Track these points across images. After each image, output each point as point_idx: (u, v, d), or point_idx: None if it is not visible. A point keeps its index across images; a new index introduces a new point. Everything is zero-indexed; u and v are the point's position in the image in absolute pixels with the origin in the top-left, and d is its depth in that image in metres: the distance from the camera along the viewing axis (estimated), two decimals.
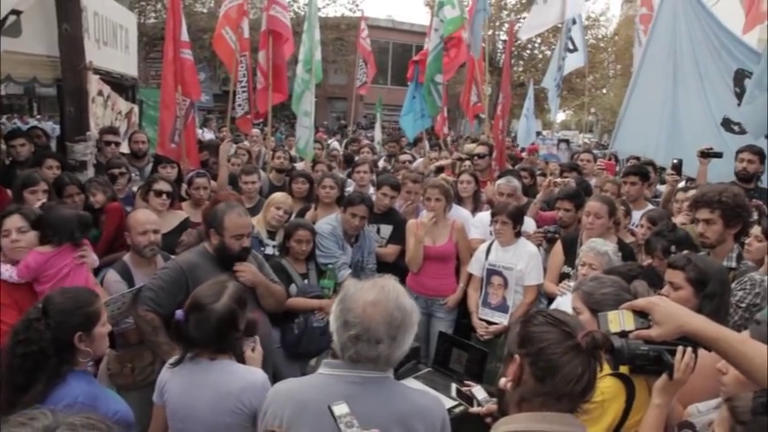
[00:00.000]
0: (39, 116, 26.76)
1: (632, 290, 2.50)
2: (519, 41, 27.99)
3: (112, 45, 7.10)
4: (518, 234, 4.62)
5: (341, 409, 1.65)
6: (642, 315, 1.75)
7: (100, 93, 6.01)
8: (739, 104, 5.75)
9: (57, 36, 5.36)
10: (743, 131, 5.89)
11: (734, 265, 3.33)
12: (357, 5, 25.74)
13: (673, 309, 1.73)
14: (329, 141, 13.13)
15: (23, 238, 3.14)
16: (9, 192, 4.55)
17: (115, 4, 7.36)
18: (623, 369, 2.26)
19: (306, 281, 4.31)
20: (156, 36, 21.33)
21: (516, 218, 4.55)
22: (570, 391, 1.52)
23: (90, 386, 2.17)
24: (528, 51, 29.40)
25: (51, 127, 17.21)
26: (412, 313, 1.82)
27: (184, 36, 6.03)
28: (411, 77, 9.15)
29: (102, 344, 2.30)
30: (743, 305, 3.10)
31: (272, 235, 4.75)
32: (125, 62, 7.64)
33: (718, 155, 5.57)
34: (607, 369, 2.37)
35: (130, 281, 3.55)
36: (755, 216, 4.83)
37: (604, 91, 34.23)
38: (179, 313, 2.47)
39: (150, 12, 23.81)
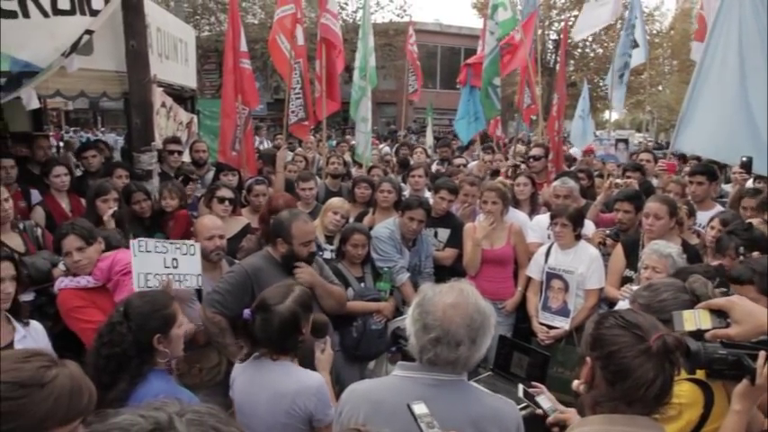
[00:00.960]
0: (103, 128, 28.14)
1: (688, 288, 2.41)
2: (571, 41, 27.51)
3: (173, 58, 7.38)
4: (578, 237, 4.54)
5: (420, 408, 1.65)
6: (720, 314, 1.71)
7: (163, 104, 6.25)
8: None
9: (124, 52, 5.61)
10: None
11: None
12: (405, 11, 25.90)
13: (753, 308, 1.68)
14: (381, 146, 13.21)
15: (84, 256, 3.27)
16: (83, 200, 4.80)
17: (175, 20, 7.65)
18: (700, 374, 2.19)
19: (362, 284, 4.37)
20: (210, 48, 22.02)
21: (576, 220, 4.48)
22: (642, 396, 1.49)
23: (169, 384, 2.27)
24: (579, 50, 28.79)
25: (114, 139, 18.06)
26: (490, 316, 1.84)
27: (243, 46, 6.22)
28: (464, 81, 9.12)
29: (179, 345, 2.39)
30: None
31: (329, 239, 4.82)
32: (185, 74, 7.92)
33: None
34: (684, 374, 2.31)
35: None
36: None
37: (660, 88, 33.15)
38: (247, 312, 2.56)
39: (204, 25, 24.62)
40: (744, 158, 5.42)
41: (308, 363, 2.72)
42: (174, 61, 7.44)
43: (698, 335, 1.79)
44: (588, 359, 1.60)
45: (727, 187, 6.94)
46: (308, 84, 7.15)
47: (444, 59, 30.48)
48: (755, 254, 3.44)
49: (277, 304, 2.50)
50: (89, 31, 5.23)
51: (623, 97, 9.18)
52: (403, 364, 1.90)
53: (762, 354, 1.91)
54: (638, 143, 13.64)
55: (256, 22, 23.64)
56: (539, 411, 2.54)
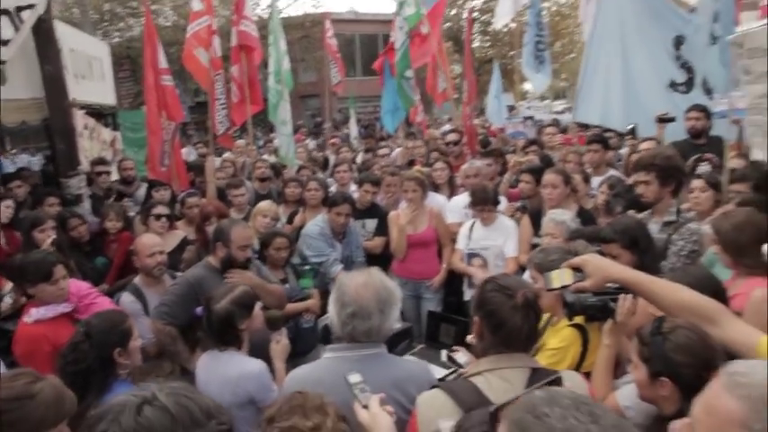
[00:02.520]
0: (14, 150, 26.73)
1: (572, 250, 2.91)
2: (484, 18, 28.36)
3: (89, 77, 7.41)
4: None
5: (354, 377, 2.05)
6: (578, 270, 2.11)
7: (85, 126, 6.34)
8: (680, 67, 6.19)
9: (39, 78, 5.66)
10: (688, 91, 6.34)
11: (674, 218, 3.76)
12: (318, 2, 25.99)
13: (600, 262, 2.08)
14: (306, 142, 13.46)
15: (66, 284, 3.44)
16: (18, 234, 4.88)
17: (88, 37, 7.67)
18: (579, 319, 2.70)
19: (286, 285, 4.48)
20: (122, 55, 21.40)
21: (495, 202, 4.97)
22: (516, 339, 1.94)
23: (133, 390, 2.57)
24: (492, 27, 29.72)
25: (28, 160, 17.34)
26: (395, 291, 2.27)
27: (163, 63, 6.35)
28: (380, 69, 9.51)
29: (137, 355, 2.69)
30: (684, 253, 3.55)
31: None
32: (103, 91, 7.95)
33: (672, 119, 6.04)
34: (566, 321, 2.82)
35: (144, 301, 3.93)
36: (709, 168, 5.31)
37: (573, 56, 34.69)
38: (198, 310, 3.03)
39: (114, 32, 23.86)
40: (630, 126, 6.11)
41: (266, 353, 3.10)
42: (91, 80, 7.47)
43: (564, 288, 2.21)
44: (476, 318, 2.03)
45: (624, 152, 7.68)
46: (228, 92, 7.35)
47: (363, 47, 30.75)
48: (631, 212, 4.03)
49: (215, 304, 2.92)
50: (1, 61, 5.26)
51: (547, 78, 9.71)
52: (331, 347, 2.29)
53: (621, 297, 2.40)
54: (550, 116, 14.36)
55: (169, 23, 23.16)
56: (459, 367, 2.99)
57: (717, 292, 2.33)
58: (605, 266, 2.05)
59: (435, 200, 5.65)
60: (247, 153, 8.76)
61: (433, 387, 2.04)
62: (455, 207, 5.60)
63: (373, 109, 22.49)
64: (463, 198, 5.45)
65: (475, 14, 27.71)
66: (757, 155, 4.14)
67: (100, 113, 7.70)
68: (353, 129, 13.02)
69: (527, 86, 15.45)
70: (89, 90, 7.23)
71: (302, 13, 25.73)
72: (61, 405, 1.72)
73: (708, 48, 5.29)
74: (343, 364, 2.18)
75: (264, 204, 5.39)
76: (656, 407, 2.10)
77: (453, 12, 28.09)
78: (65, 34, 6.41)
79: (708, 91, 6.09)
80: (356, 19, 30.27)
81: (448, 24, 26.37)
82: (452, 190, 6.16)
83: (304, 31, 24.10)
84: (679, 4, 7.32)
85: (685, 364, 1.93)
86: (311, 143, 13.56)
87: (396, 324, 3.40)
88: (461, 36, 25.25)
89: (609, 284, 2.10)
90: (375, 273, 2.29)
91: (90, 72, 7.39)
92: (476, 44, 29.09)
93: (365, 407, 1.95)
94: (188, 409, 1.19)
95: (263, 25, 12.95)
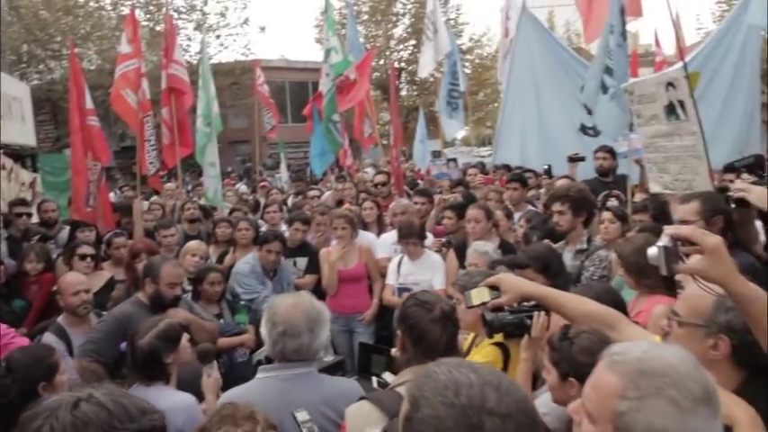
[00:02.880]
0: None
1: (494, 274, 3.13)
2: (411, 68, 29.51)
3: (8, 117, 7.21)
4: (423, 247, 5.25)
5: (302, 415, 2.12)
6: (495, 289, 2.30)
7: (3, 167, 6.13)
8: (588, 114, 6.78)
9: None
10: (597, 134, 6.93)
11: (585, 246, 4.10)
12: (249, 49, 26.24)
13: (514, 279, 2.28)
14: (237, 186, 13.42)
15: None
16: None
17: (8, 77, 7.47)
18: (499, 338, 2.88)
19: (221, 320, 4.51)
20: (42, 98, 20.72)
21: (422, 237, 5.19)
22: (436, 350, 2.09)
23: None
24: (419, 77, 30.92)
25: None
26: (323, 311, 2.39)
27: (89, 104, 6.30)
28: (309, 114, 9.76)
29: (64, 390, 2.63)
30: (594, 278, 3.86)
31: (191, 281, 5.05)
32: (23, 133, 7.73)
33: (582, 158, 6.57)
34: (488, 340, 2.99)
35: (67, 341, 3.81)
36: (616, 203, 5.78)
37: (496, 105, 36.51)
38: (123, 346, 2.92)
39: (33, 73, 23.09)
40: (545, 166, 6.59)
41: (197, 387, 3.07)
42: (10, 120, 7.26)
43: (483, 305, 2.39)
44: (398, 331, 2.17)
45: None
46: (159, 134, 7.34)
47: (293, 94, 31.14)
48: (545, 241, 4.34)
49: (139, 339, 2.86)
50: None
51: (460, 124, 10.24)
52: (263, 367, 2.37)
53: (535, 314, 2.61)
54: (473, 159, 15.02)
55: (93, 67, 22.70)
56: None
57: (616, 303, 2.58)
58: (518, 283, 2.26)
59: (365, 237, 5.82)
60: (176, 196, 8.68)
61: (360, 399, 2.14)
62: (384, 243, 5.79)
63: (303, 155, 22.67)
64: (392, 235, 5.65)
65: (402, 64, 28.83)
66: (654, 188, 4.58)
67: (19, 155, 7.46)
68: (284, 173, 13.13)
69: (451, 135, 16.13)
70: (8, 130, 7.02)
71: (233, 59, 25.88)
72: None
73: (598, 96, 5.87)
74: (275, 384, 2.25)
75: (193, 243, 5.39)
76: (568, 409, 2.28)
77: (381, 62, 29.12)
78: None
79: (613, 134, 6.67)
80: (286, 66, 30.74)
81: (376, 74, 27.27)
82: (381, 228, 6.36)
83: (234, 78, 24.20)
84: (586, 57, 8.06)
85: (589, 364, 2.13)
86: (242, 187, 13.51)
87: (328, 356, 3.51)
88: (389, 85, 26.18)
89: (525, 303, 2.30)
90: (304, 294, 2.40)
91: (9, 112, 7.20)
92: (404, 92, 30.10)
93: None
94: (123, 406, 1.25)
95: (192, 71, 12.99)
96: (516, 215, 5.91)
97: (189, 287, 4.93)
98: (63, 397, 1.25)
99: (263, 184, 11.16)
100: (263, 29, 37.08)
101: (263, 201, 9.00)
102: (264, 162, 18.05)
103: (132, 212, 6.33)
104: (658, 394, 1.19)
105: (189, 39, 24.37)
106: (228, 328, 4.47)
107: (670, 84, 4.19)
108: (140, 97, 6.59)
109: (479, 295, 2.28)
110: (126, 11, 23.90)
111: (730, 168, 3.55)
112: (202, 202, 8.57)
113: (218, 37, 25.75)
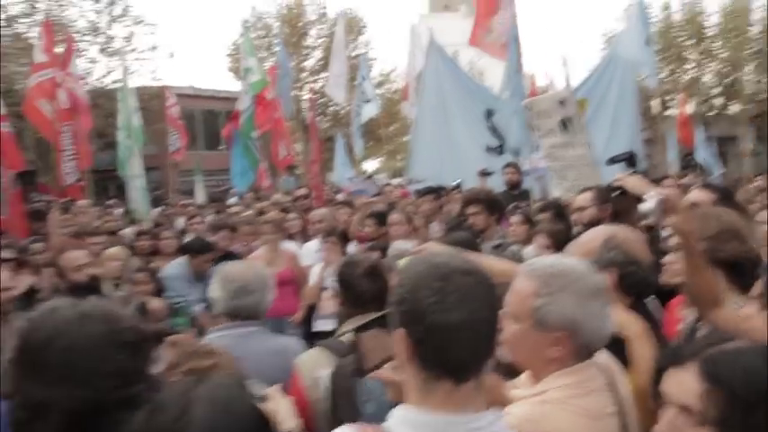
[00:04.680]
0: None
1: None
2: (323, 100, 30.07)
3: None
4: (344, 253, 5.53)
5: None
6: None
7: None
8: (492, 135, 7.50)
9: None
10: (501, 153, 7.62)
11: (500, 242, 4.56)
12: (157, 75, 25.69)
13: (435, 247, 2.63)
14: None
15: None
16: None
17: None
18: None
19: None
20: None
21: (342, 238, 5.47)
22: (367, 300, 2.35)
23: None
24: (332, 107, 31.51)
25: None
26: (268, 275, 2.66)
27: (2, 110, 6.13)
28: (227, 135, 9.90)
29: None
30: None
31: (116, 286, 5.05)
32: None
33: (491, 173, 7.19)
34: None
35: None
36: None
37: (406, 138, 37.71)
38: None
39: None
40: (455, 182, 7.16)
41: None
42: None
43: None
44: (337, 290, 2.47)
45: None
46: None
47: (205, 122, 30.71)
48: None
49: None
50: None
51: (359, 140, 10.81)
52: (215, 328, 2.55)
53: None
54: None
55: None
56: None
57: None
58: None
59: (289, 246, 6.02)
60: (87, 214, 8.43)
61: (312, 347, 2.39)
62: (307, 252, 6.01)
63: (216, 183, 22.42)
64: (315, 243, 5.91)
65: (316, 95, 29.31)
66: (556, 193, 5.17)
67: None
68: (201, 196, 13.00)
69: (365, 166, 16.83)
70: None
71: (140, 84, 25.21)
72: None
73: (512, 117, 6.56)
74: (229, 342, 2.44)
75: (113, 250, 5.34)
76: None
77: (294, 93, 29.43)
78: None
79: (516, 153, 7.38)
80: (196, 94, 30.29)
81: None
82: (305, 239, 6.57)
83: (142, 103, 23.52)
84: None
85: None
86: (155, 211, 13.17)
87: None
88: (301, 115, 26.50)
89: None
90: (255, 262, 2.63)
91: None
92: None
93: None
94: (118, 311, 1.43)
95: (98, 94, 12.60)
96: (434, 225, 6.34)
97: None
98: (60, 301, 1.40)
99: (183, 203, 10.97)
100: (171, 55, 36.37)
101: (181, 220, 8.95)
102: (177, 188, 17.69)
103: (44, 218, 6.17)
104: (565, 289, 1.54)
105: (92, 62, 23.58)
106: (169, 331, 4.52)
107: (561, 102, 4.83)
108: (56, 107, 6.49)
109: None
110: (21, 28, 22.86)
111: (612, 161, 4.22)
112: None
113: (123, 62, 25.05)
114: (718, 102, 27.98)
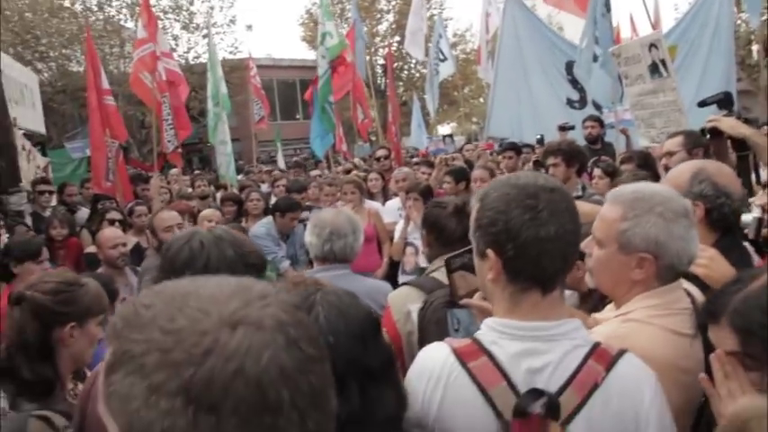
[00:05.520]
0: None
1: None
2: (397, 65, 29.97)
3: (21, 103, 7.48)
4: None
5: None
6: None
7: (23, 147, 6.42)
8: (573, 88, 7.27)
9: None
10: (582, 107, 7.40)
11: (580, 194, 4.49)
12: (237, 48, 26.46)
13: None
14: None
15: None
16: None
17: (18, 65, 7.74)
18: None
19: None
20: None
21: (425, 194, 5.56)
22: (454, 239, 2.38)
23: None
24: (405, 72, 31.37)
25: None
26: (358, 220, 2.81)
27: (105, 84, 6.65)
28: (310, 99, 10.15)
29: None
30: None
31: None
32: (33, 119, 8.01)
33: (572, 127, 7.02)
34: None
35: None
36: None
37: (481, 100, 37.01)
38: None
39: None
40: (537, 137, 7.04)
41: None
42: (23, 106, 7.54)
43: None
44: (423, 232, 2.56)
45: None
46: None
47: (281, 92, 31.39)
48: None
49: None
50: None
51: (436, 99, 10.71)
52: (308, 272, 2.74)
53: None
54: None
55: (81, 69, 22.79)
56: None
57: None
58: None
59: (371, 204, 6.19)
60: (180, 181, 8.99)
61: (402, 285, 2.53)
62: (390, 210, 6.15)
63: (294, 151, 23.01)
64: (396, 201, 6.03)
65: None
66: (643, 142, 5.01)
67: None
68: (281, 164, 13.45)
69: (442, 130, 16.80)
70: (21, 116, 7.30)
71: (221, 58, 26.06)
72: (103, 299, 2.05)
73: (591, 64, 6.32)
74: (323, 282, 2.62)
75: (208, 211, 5.71)
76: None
77: (367, 58, 29.45)
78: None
79: (597, 107, 7.15)
80: (274, 65, 30.95)
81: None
82: (386, 198, 6.73)
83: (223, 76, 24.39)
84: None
85: None
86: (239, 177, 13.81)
87: None
88: (376, 81, 26.58)
89: None
90: (344, 209, 2.78)
91: (22, 98, 7.48)
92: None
93: None
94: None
95: (182, 69, 13.13)
96: None
97: None
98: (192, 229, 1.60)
99: (266, 169, 11.45)
100: (249, 27, 37.20)
101: (265, 186, 9.35)
102: (259, 157, 18.34)
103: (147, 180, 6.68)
104: (650, 211, 1.58)
105: (175, 38, 24.59)
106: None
107: (653, 45, 4.63)
108: (157, 78, 6.95)
109: None
110: (113, 12, 24.15)
111: (703, 104, 3.97)
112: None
113: (204, 36, 25.96)
114: None
